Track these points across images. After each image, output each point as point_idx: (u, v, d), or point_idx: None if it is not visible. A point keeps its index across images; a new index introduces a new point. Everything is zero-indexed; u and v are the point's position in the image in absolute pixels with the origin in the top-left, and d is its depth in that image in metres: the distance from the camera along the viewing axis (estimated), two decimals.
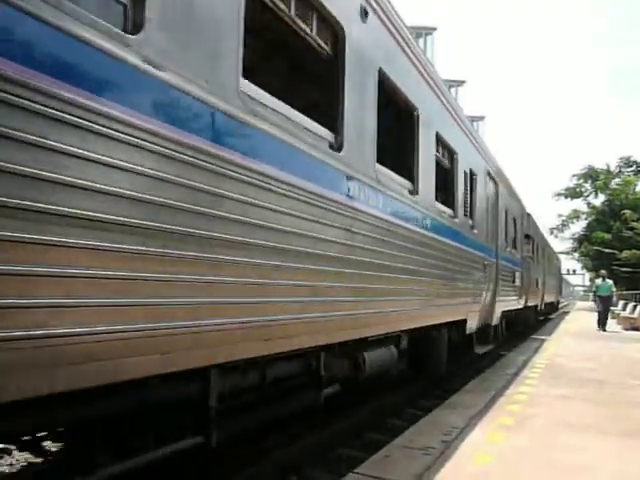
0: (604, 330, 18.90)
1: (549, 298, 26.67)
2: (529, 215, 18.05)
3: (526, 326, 18.21)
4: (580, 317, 28.64)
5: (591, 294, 26.17)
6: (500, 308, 11.18)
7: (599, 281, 21.37)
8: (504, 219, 12.09)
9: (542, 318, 24.86)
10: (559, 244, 47.59)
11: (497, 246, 10.83)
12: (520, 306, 14.50)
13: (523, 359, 10.42)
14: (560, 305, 44.31)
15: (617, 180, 43.98)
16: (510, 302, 12.64)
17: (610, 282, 20.90)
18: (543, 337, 15.50)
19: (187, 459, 3.94)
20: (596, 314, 20.49)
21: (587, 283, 77.01)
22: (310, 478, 4.62)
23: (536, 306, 19.98)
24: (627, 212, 38.16)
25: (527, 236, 16.25)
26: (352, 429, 5.85)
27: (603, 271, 22.33)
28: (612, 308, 28.35)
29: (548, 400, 6.55)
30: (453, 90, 50.50)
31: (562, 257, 50.19)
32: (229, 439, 3.59)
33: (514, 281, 13.07)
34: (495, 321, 10.84)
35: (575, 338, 15.63)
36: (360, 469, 3.95)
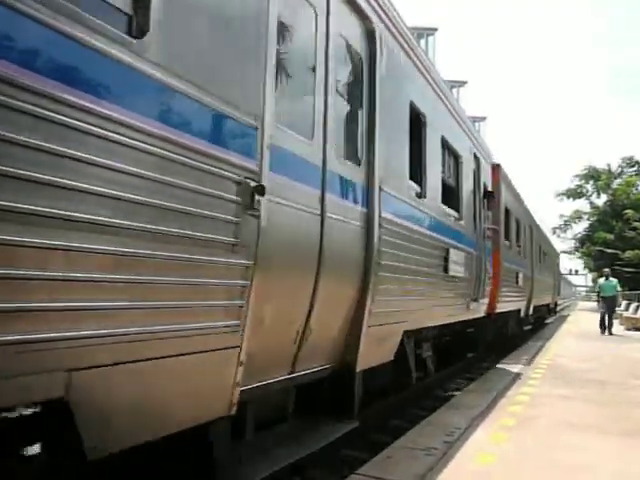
0: (610, 333, 17.61)
1: (542, 299, 20.39)
2: (499, 167, 11.29)
3: (502, 341, 12.90)
4: (582, 318, 28.59)
5: (595, 295, 22.04)
6: (393, 328, 5.24)
7: (602, 280, 19.71)
8: (420, 133, 5.99)
9: (530, 327, 18.71)
10: (561, 244, 47.48)
11: (373, 173, 4.53)
12: (479, 314, 8.87)
13: (525, 359, 10.44)
14: (560, 307, 39.70)
15: (619, 180, 44.04)
16: (437, 311, 6.56)
17: (614, 281, 19.23)
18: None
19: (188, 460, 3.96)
20: (599, 315, 18.85)
21: (589, 284, 76.94)
22: (312, 479, 4.65)
23: (519, 312, 14.14)
24: (629, 212, 38.23)
25: (490, 196, 9.49)
26: (355, 430, 5.86)
27: (606, 270, 20.59)
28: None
29: (550, 400, 6.57)
30: (455, 91, 50.55)
31: (564, 257, 50.07)
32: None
33: (447, 269, 6.73)
34: (372, 361, 4.90)
35: (577, 339, 15.61)
36: (362, 470, 3.98)
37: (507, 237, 12.24)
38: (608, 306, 18.19)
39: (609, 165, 44.95)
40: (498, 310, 10.55)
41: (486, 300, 9.24)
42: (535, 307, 17.75)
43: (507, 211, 12.48)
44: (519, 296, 13.67)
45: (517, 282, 13.11)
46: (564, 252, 49.01)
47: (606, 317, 18.11)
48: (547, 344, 13.67)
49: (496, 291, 10.23)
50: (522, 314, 14.81)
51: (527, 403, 6.39)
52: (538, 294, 18.16)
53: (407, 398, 7.54)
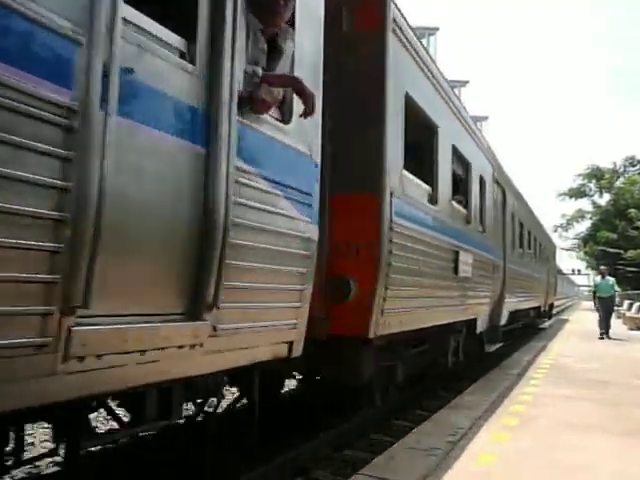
0: (607, 337, 15.80)
1: (526, 301, 14.53)
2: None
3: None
4: (584, 318, 28.49)
5: (592, 294, 19.05)
6: None
7: (599, 279, 17.87)
8: None
9: (500, 345, 10.95)
10: (563, 243, 47.31)
11: None
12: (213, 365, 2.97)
13: (527, 359, 10.46)
14: (562, 307, 37.69)
15: (621, 179, 44.02)
16: None
17: (612, 280, 17.40)
18: None
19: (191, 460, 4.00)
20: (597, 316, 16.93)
21: (592, 283, 76.67)
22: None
23: (473, 324, 8.53)
24: (632, 211, 38.17)
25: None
26: (357, 430, 5.90)
27: (603, 267, 18.97)
28: (617, 308, 27.72)
29: (552, 400, 6.60)
30: (456, 90, 50.56)
31: (566, 256, 49.96)
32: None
33: None
34: None
35: (580, 339, 15.62)
36: (365, 470, 4.01)
37: (420, 173, 6.06)
38: (604, 308, 16.41)
39: (615, 163, 44.84)
40: (392, 329, 5.10)
41: (280, 315, 3.50)
42: (516, 312, 12.62)
43: (425, 121, 6.24)
44: (469, 297, 7.91)
45: (456, 271, 7.10)
46: (566, 250, 48.99)
47: (604, 320, 16.35)
48: (549, 344, 13.68)
49: (375, 287, 4.68)
50: (480, 328, 8.88)
51: (529, 403, 6.41)
52: (518, 294, 12.53)
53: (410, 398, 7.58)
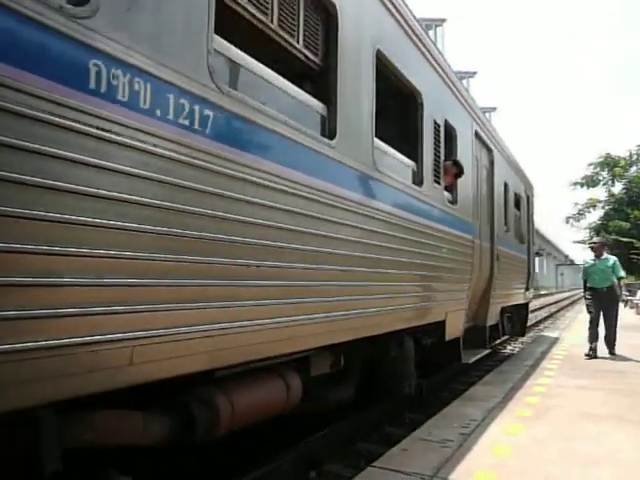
0: (612, 353, 9.68)
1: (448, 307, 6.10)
2: None
3: None
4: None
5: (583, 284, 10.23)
6: None
7: (590, 260, 9.90)
8: None
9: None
10: (575, 234, 46.92)
11: None
12: None
13: (541, 350, 10.37)
14: (572, 299, 35.55)
15: (634, 168, 43.51)
16: None
17: (612, 260, 9.75)
18: None
19: (205, 454, 3.98)
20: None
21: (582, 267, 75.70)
22: (329, 473, 4.66)
23: None
24: None
25: None
26: (371, 423, 5.87)
27: (598, 238, 13.09)
28: (630, 297, 27.08)
29: (567, 391, 6.52)
30: (464, 82, 50.14)
31: (579, 247, 49.47)
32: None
33: None
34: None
35: None
36: (378, 463, 3.98)
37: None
38: (601, 306, 9.68)
39: (630, 151, 44.20)
40: None
41: None
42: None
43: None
44: None
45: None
46: (578, 242, 48.56)
47: (601, 324, 9.77)
48: (562, 334, 13.55)
49: None
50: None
51: (544, 394, 6.34)
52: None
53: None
